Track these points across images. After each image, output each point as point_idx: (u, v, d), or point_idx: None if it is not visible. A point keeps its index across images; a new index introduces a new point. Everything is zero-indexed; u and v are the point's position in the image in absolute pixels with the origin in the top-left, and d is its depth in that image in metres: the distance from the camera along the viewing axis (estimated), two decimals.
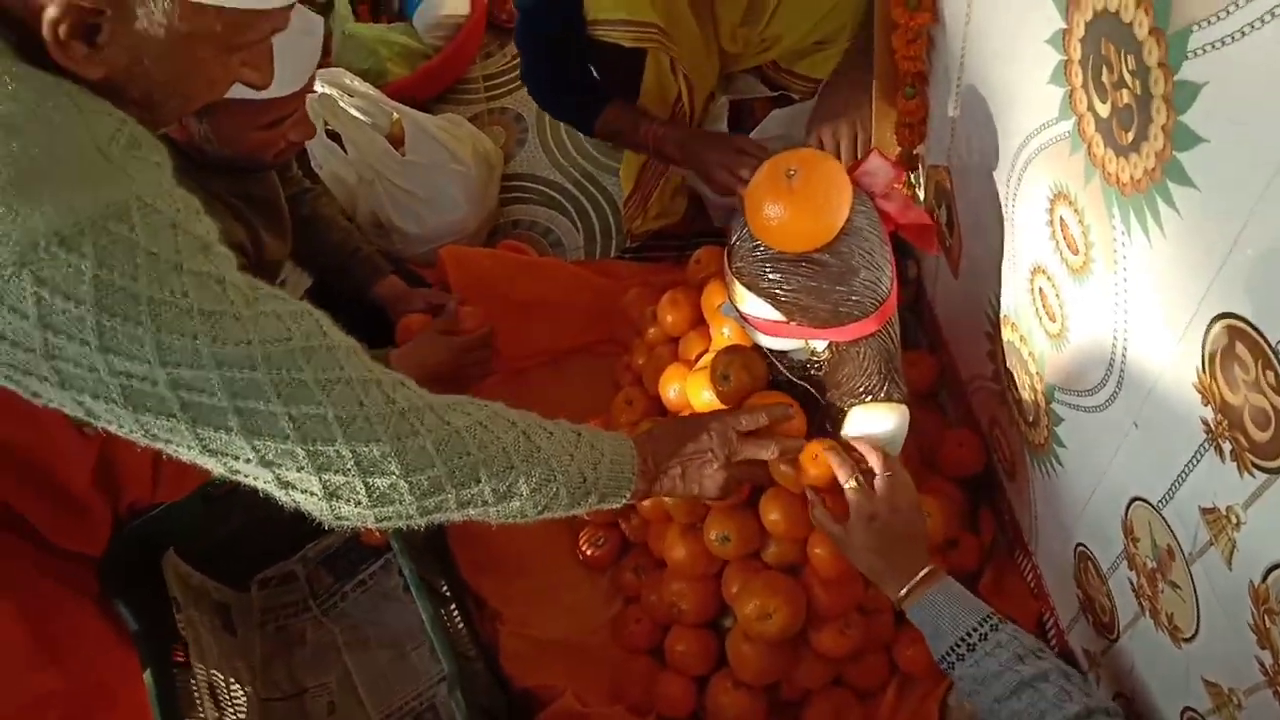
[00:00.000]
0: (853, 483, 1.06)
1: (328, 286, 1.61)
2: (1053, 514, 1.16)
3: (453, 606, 1.39)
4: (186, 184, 1.19)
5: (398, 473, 0.76)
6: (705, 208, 1.80)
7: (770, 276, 0.98)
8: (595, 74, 1.58)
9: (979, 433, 1.40)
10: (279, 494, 0.75)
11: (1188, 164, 0.65)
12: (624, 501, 0.97)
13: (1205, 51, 0.60)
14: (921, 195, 1.34)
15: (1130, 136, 0.72)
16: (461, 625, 1.38)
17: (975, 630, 0.97)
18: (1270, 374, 0.62)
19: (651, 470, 0.99)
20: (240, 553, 1.48)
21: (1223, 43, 0.58)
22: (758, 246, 0.98)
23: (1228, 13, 0.57)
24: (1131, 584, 0.97)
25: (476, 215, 1.87)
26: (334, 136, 1.83)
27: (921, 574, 1.02)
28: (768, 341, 1.08)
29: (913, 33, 1.12)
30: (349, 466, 0.74)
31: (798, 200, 0.93)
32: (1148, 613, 0.94)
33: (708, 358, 1.27)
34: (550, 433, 0.90)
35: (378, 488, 0.76)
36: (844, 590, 1.24)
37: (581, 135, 2.03)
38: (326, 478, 0.74)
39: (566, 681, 1.35)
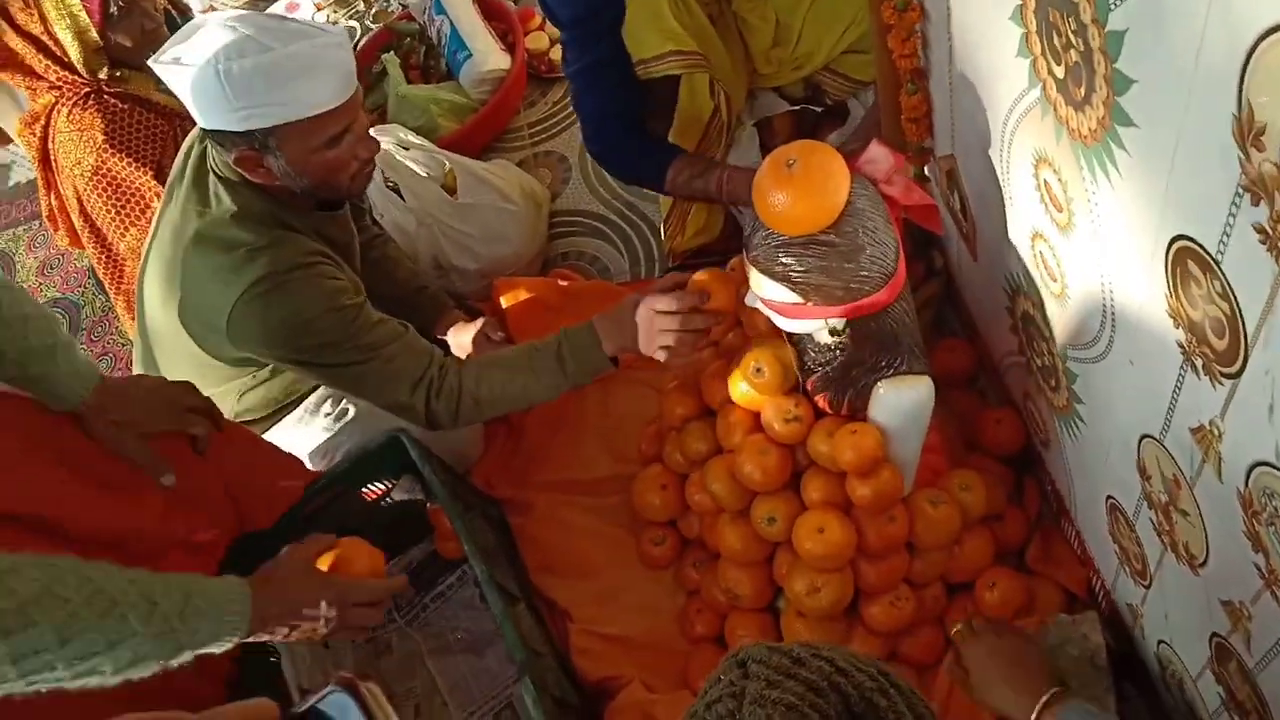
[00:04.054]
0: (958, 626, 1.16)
1: None
2: (1084, 473, 1.21)
3: (522, 606, 1.48)
4: (272, 220, 1.30)
5: None
6: (741, 224, 1.89)
7: (783, 260, 1.07)
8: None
9: (1016, 410, 1.44)
10: None
11: (1127, 105, 0.73)
12: (225, 647, 1.02)
13: (1123, 1, 0.68)
14: (935, 185, 1.41)
15: (1082, 91, 0.79)
16: (532, 623, 1.47)
17: None
18: (1217, 283, 0.68)
19: (260, 625, 1.06)
20: None
21: None
22: (770, 234, 1.07)
23: None
24: (1153, 523, 1.01)
25: (527, 250, 1.99)
26: (394, 189, 1.98)
27: (1048, 695, 1.02)
28: (789, 325, 1.16)
29: (905, 31, 1.20)
30: None
31: (799, 186, 1.01)
32: (1169, 548, 0.98)
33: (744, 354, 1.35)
34: (153, 605, 0.92)
35: None
36: (890, 563, 1.29)
37: None
38: None
39: (634, 673, 1.42)
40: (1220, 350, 0.71)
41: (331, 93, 1.25)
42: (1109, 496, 1.13)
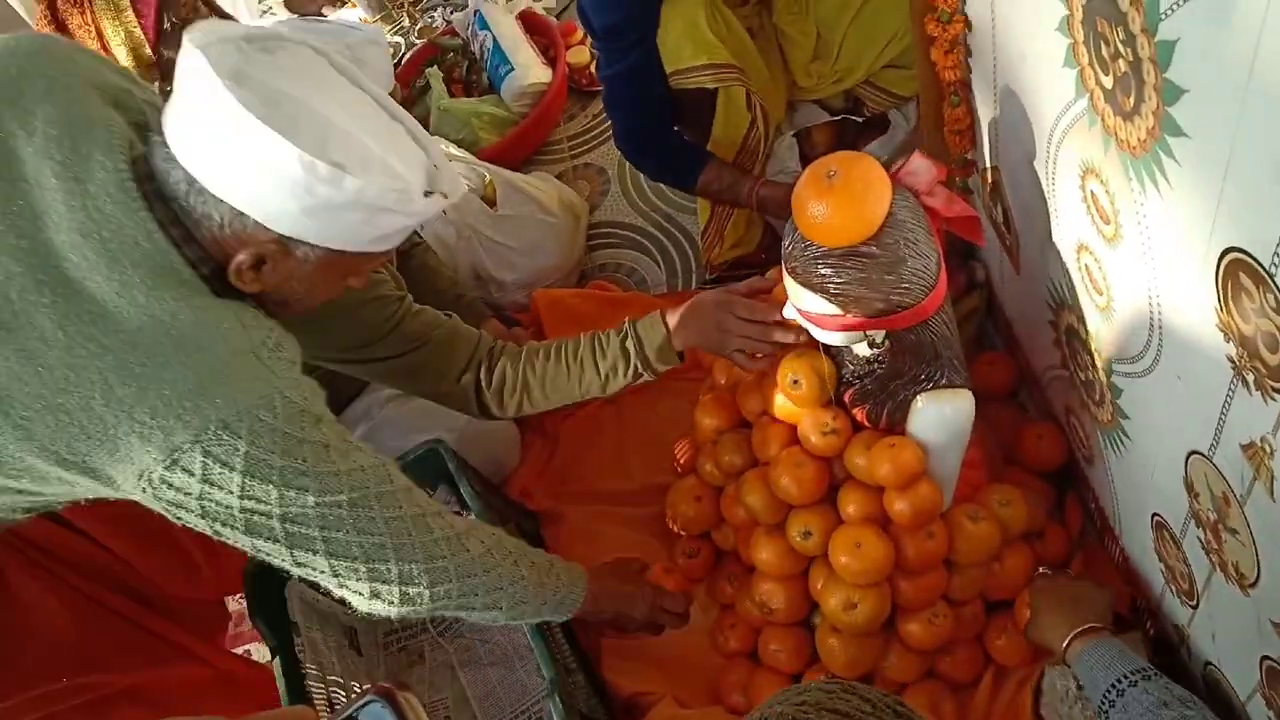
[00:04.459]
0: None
1: None
2: (1129, 489, 1.18)
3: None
4: None
5: (425, 584, 1.02)
6: (779, 236, 1.88)
7: (822, 272, 1.06)
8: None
9: (1058, 425, 1.42)
10: (334, 590, 1.00)
11: (1178, 115, 0.71)
12: (566, 617, 1.25)
13: (1174, 10, 0.67)
14: (978, 197, 1.40)
15: (1131, 101, 0.78)
16: (563, 640, 1.47)
17: (1126, 678, 0.98)
18: (1271, 297, 0.67)
19: (592, 605, 1.26)
20: None
21: None
22: (809, 245, 1.06)
23: None
24: (1201, 541, 0.98)
25: (566, 261, 2.00)
26: None
27: (1084, 626, 1.08)
28: (827, 337, 1.15)
29: (948, 43, 1.20)
30: (393, 579, 1.00)
31: (839, 197, 1.01)
32: (1217, 567, 0.96)
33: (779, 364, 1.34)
34: (533, 563, 1.15)
35: (408, 594, 1.01)
36: (928, 580, 1.28)
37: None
38: (374, 585, 0.99)
39: (667, 688, 1.42)
40: (1273, 365, 0.70)
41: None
42: (1155, 514, 1.11)
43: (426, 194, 0.94)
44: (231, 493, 0.88)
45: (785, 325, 1.23)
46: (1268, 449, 0.76)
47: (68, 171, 0.86)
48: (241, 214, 0.88)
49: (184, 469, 0.86)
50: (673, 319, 1.27)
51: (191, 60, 0.84)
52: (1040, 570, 1.29)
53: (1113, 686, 0.98)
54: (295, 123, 0.85)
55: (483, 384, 1.32)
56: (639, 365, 1.28)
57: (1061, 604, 1.13)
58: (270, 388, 0.89)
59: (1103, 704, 0.99)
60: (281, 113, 0.84)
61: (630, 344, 1.27)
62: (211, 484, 0.87)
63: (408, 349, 1.31)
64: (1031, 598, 1.19)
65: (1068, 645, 1.08)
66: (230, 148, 0.85)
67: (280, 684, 1.30)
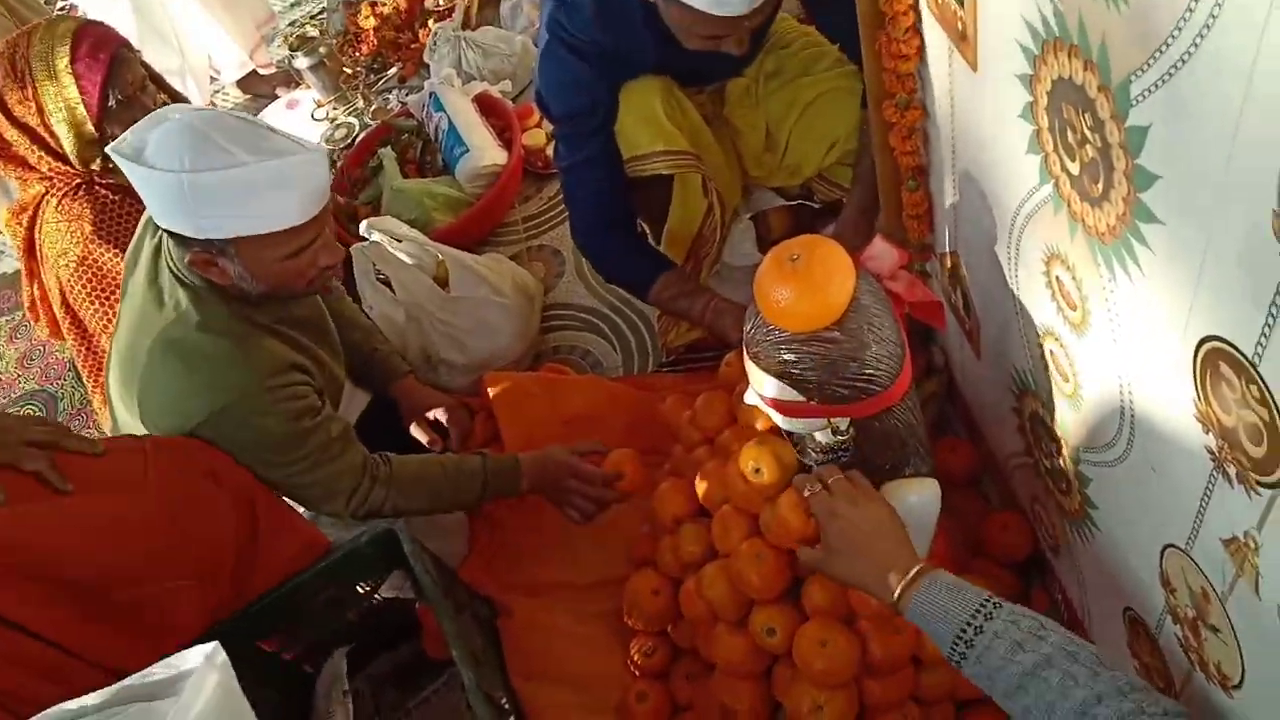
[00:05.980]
0: (816, 486, 1.07)
1: (384, 408, 1.69)
2: (1099, 582, 1.15)
3: (511, 718, 1.39)
4: (236, 324, 1.28)
5: None
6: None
7: (785, 357, 1.03)
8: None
9: (1023, 515, 1.39)
10: None
11: (1150, 202, 0.70)
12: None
13: (1146, 96, 0.66)
14: (937, 282, 1.39)
15: (1100, 187, 0.77)
16: None
17: (969, 625, 0.90)
18: (1254, 388, 0.64)
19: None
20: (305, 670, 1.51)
21: (1157, 85, 0.64)
22: (771, 330, 1.03)
23: (1155, 58, 0.62)
24: (1178, 639, 0.95)
25: (519, 343, 1.95)
26: (384, 282, 1.95)
27: (912, 572, 0.97)
28: (790, 424, 1.12)
29: (906, 129, 1.20)
30: None
31: (802, 282, 0.98)
32: (1197, 666, 0.92)
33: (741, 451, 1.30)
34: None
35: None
36: (896, 679, 1.22)
37: None
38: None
39: None
40: (1258, 458, 0.67)
41: (300, 210, 1.23)
42: (1127, 608, 1.07)
43: None
44: None
45: (614, 489, 1.50)
46: (1252, 544, 0.73)
47: None
48: None
49: None
50: (526, 464, 1.50)
51: None
52: (807, 492, 1.09)
53: (958, 638, 0.90)
54: None
55: (357, 508, 1.41)
56: (490, 498, 1.52)
57: (860, 541, 1.01)
58: None
59: (952, 655, 0.91)
60: None
61: (490, 483, 1.49)
62: None
63: (305, 477, 1.36)
64: (824, 536, 1.05)
65: (899, 596, 0.96)
66: None
67: None
